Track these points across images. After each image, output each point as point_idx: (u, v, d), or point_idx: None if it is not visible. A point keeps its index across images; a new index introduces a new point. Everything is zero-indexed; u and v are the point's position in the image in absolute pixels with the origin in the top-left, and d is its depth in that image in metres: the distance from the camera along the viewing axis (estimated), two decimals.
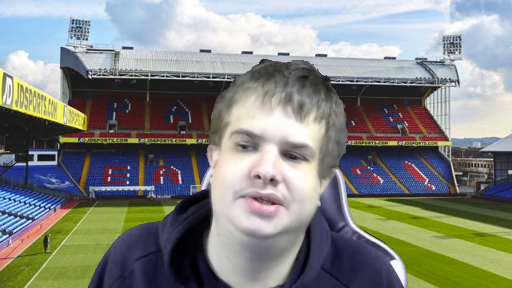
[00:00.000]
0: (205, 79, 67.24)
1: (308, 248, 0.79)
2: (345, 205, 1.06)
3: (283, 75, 0.72)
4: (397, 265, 0.98)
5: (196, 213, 0.81)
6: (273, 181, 0.68)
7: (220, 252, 0.77)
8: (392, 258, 1.00)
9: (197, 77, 67.45)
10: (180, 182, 60.68)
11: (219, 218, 0.74)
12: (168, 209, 47.32)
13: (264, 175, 0.67)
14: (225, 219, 0.72)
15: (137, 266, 0.82)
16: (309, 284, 0.76)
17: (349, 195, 60.49)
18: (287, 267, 0.78)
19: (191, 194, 1.08)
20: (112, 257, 0.85)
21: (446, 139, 76.34)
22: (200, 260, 0.79)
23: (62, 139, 63.31)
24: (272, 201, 0.69)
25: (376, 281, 0.80)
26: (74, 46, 69.24)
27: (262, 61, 0.77)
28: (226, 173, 0.71)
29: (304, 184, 0.71)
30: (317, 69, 0.77)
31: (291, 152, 0.70)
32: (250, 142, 0.70)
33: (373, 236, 1.02)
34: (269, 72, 0.73)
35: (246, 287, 0.76)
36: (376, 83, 72.57)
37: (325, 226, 0.83)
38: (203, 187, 0.97)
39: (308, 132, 0.71)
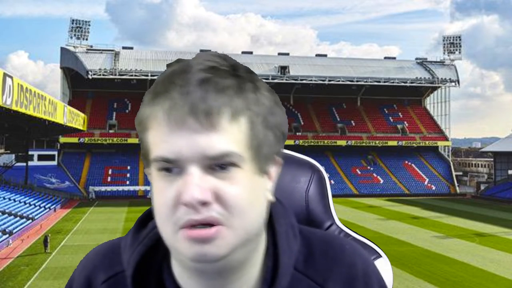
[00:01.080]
0: None
1: (275, 251, 0.74)
2: (331, 204, 1.05)
3: (182, 84, 0.65)
4: (384, 264, 0.97)
5: (155, 228, 0.74)
6: (204, 203, 0.64)
7: (182, 272, 0.73)
8: (379, 256, 0.98)
9: None
10: None
11: (168, 246, 0.70)
12: None
13: (191, 202, 0.63)
14: (172, 248, 0.69)
15: None
16: None
17: (349, 195, 60.58)
18: (255, 274, 0.74)
19: None
20: (77, 282, 0.81)
21: (446, 139, 76.38)
22: (166, 278, 0.75)
23: (62, 139, 63.35)
24: (210, 223, 0.64)
25: (352, 276, 0.76)
26: (74, 46, 69.31)
27: (168, 65, 0.71)
28: (158, 205, 0.67)
29: (238, 195, 0.65)
30: (224, 59, 0.69)
31: (216, 164, 0.65)
32: (171, 166, 0.65)
33: (359, 234, 1.02)
34: (168, 84, 0.66)
35: None
36: (376, 83, 72.61)
37: (291, 222, 0.78)
38: None
39: (226, 137, 0.64)
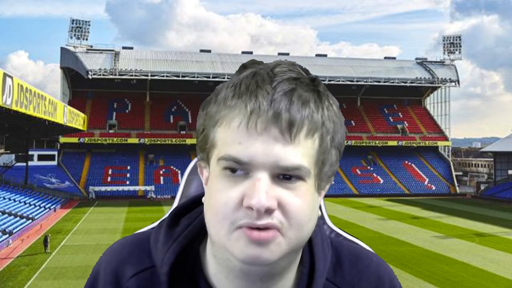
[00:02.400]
0: (205, 79, 67.26)
1: (311, 260, 0.76)
2: (322, 203, 1.03)
3: (268, 90, 0.66)
4: None
5: (190, 226, 0.77)
6: (268, 210, 0.65)
7: (219, 272, 0.74)
8: None
9: (197, 77, 67.48)
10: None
11: (215, 244, 0.72)
12: (168, 209, 47.13)
13: (258, 208, 0.64)
14: (223, 249, 0.69)
15: (131, 284, 0.78)
16: None
17: (349, 195, 60.57)
18: (290, 280, 0.76)
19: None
20: (103, 274, 0.80)
21: (446, 139, 76.37)
22: (200, 278, 0.76)
23: (62, 139, 63.33)
24: (269, 229, 0.65)
25: None
26: (74, 46, 69.29)
27: (244, 66, 0.72)
28: (218, 204, 0.67)
29: (301, 208, 0.67)
30: (304, 71, 0.71)
31: (284, 174, 0.66)
32: (239, 167, 0.66)
33: (350, 234, 1.01)
34: (252, 87, 0.66)
35: None
36: (376, 83, 72.60)
37: (325, 234, 0.81)
38: (180, 192, 1.01)
39: (300, 151, 0.66)
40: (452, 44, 78.84)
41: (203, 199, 0.73)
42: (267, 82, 0.66)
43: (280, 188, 0.66)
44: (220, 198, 0.67)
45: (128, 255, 0.80)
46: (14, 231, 32.53)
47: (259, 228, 0.65)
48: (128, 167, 64.19)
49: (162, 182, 61.14)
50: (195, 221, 0.76)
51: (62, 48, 71.03)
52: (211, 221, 0.69)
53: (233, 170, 0.66)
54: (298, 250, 0.72)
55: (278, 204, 0.65)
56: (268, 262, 0.67)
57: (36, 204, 43.42)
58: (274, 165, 0.65)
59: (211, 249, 0.74)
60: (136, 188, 58.85)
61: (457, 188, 68.44)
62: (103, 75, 65.75)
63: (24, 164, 50.49)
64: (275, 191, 0.65)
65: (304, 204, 0.67)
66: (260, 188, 0.64)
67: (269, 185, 0.65)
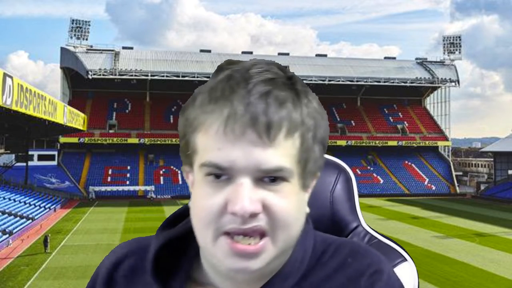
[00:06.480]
0: (205, 79, 65.48)
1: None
2: (357, 204, 1.03)
3: (243, 94, 0.64)
4: (408, 268, 0.93)
5: (185, 225, 0.77)
6: (252, 214, 0.64)
7: (212, 274, 0.74)
8: (404, 260, 0.94)
9: (197, 77, 67.44)
10: (180, 182, 60.65)
11: (203, 250, 0.72)
12: (168, 209, 47.81)
13: (242, 214, 0.63)
14: (209, 255, 0.69)
15: (122, 272, 0.81)
16: None
17: None
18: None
19: None
20: (100, 276, 0.83)
21: (446, 139, 76.38)
22: (191, 271, 0.77)
23: (62, 139, 63.34)
24: (256, 232, 0.65)
25: (355, 282, 0.75)
26: (74, 46, 69.29)
27: (220, 68, 0.71)
28: (202, 210, 0.67)
29: (286, 209, 0.66)
30: (281, 70, 0.70)
31: (266, 177, 0.65)
32: (222, 173, 0.65)
33: (385, 237, 0.99)
34: (227, 91, 0.65)
35: None
36: (376, 83, 72.59)
37: (306, 228, 0.77)
38: None
39: (280, 152, 0.65)
40: (452, 44, 78.84)
41: (189, 204, 0.72)
42: (242, 86, 0.65)
43: (263, 190, 0.65)
44: (204, 204, 0.67)
45: (126, 252, 0.82)
46: (14, 231, 32.54)
47: (245, 234, 0.65)
48: (128, 167, 64.20)
49: (162, 182, 61.15)
50: (189, 223, 0.74)
51: (62, 48, 71.06)
52: (197, 227, 0.69)
53: (217, 176, 0.66)
54: (287, 251, 0.71)
55: (263, 207, 0.65)
56: (257, 270, 0.66)
57: (36, 204, 43.43)
58: (255, 168, 0.64)
59: (202, 253, 0.75)
60: (136, 188, 58.85)
61: (457, 188, 68.45)
62: (103, 75, 65.76)
63: (24, 164, 50.47)
64: (258, 195, 0.65)
65: (289, 204, 0.66)
66: (243, 193, 0.64)
67: (252, 189, 0.65)
